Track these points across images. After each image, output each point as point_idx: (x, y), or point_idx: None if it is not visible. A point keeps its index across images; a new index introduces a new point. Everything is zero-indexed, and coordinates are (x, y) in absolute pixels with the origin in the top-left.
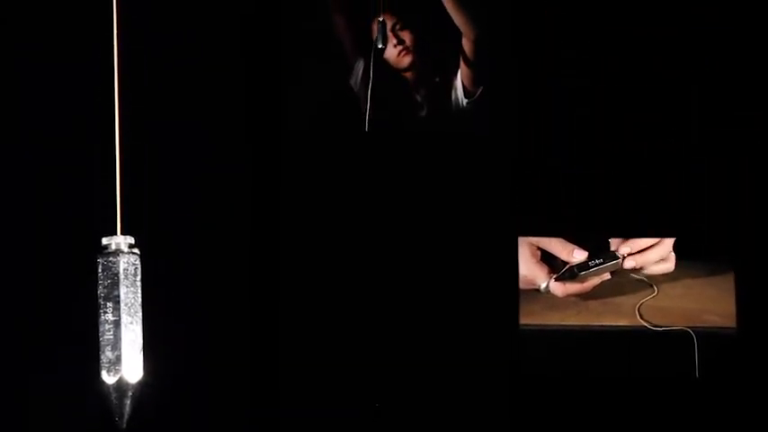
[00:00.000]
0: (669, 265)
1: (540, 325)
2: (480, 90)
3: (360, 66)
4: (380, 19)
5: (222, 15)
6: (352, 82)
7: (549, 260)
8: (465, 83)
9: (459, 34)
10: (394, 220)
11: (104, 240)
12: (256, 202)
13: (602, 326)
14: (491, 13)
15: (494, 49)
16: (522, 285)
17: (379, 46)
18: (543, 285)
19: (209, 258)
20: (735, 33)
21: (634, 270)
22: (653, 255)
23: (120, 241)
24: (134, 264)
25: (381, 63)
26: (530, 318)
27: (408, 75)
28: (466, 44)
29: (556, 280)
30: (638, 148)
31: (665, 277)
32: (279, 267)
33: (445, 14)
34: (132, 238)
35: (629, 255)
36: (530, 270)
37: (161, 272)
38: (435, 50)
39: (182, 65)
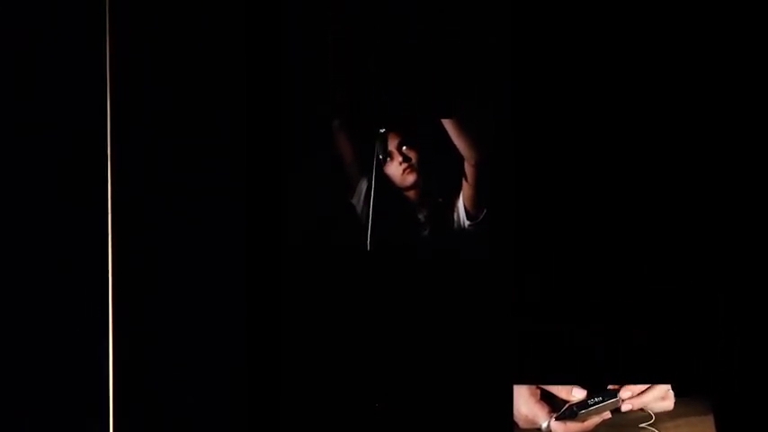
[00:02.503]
0: (668, 404)
1: None
2: (484, 213)
3: (363, 184)
4: (382, 130)
5: (221, 137)
6: (354, 200)
7: (549, 399)
8: (467, 205)
9: (462, 156)
10: (391, 342)
11: None
12: (254, 323)
13: None
14: (494, 139)
15: (495, 174)
16: (522, 425)
17: (380, 157)
18: (544, 425)
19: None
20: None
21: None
22: (651, 396)
23: None
24: None
25: (385, 180)
26: None
27: (411, 194)
28: (468, 168)
29: (556, 419)
30: (639, 288)
31: (666, 415)
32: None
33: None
34: None
35: (629, 399)
36: (530, 409)
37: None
38: (439, 170)
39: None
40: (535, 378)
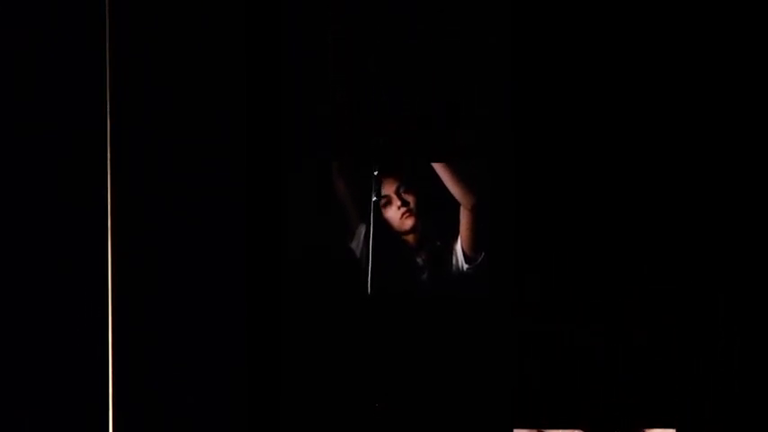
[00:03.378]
0: None
1: None
2: (482, 256)
3: (362, 229)
4: (375, 173)
5: (221, 137)
6: (353, 245)
7: None
8: (465, 249)
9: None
10: (390, 385)
11: None
12: (255, 384)
13: None
14: (489, 184)
15: (493, 217)
16: None
17: (373, 199)
18: None
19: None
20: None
21: None
22: None
23: None
24: None
25: (384, 225)
26: None
27: (410, 238)
28: (464, 213)
29: None
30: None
31: None
32: None
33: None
34: None
35: None
36: None
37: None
38: (437, 215)
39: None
40: (536, 423)
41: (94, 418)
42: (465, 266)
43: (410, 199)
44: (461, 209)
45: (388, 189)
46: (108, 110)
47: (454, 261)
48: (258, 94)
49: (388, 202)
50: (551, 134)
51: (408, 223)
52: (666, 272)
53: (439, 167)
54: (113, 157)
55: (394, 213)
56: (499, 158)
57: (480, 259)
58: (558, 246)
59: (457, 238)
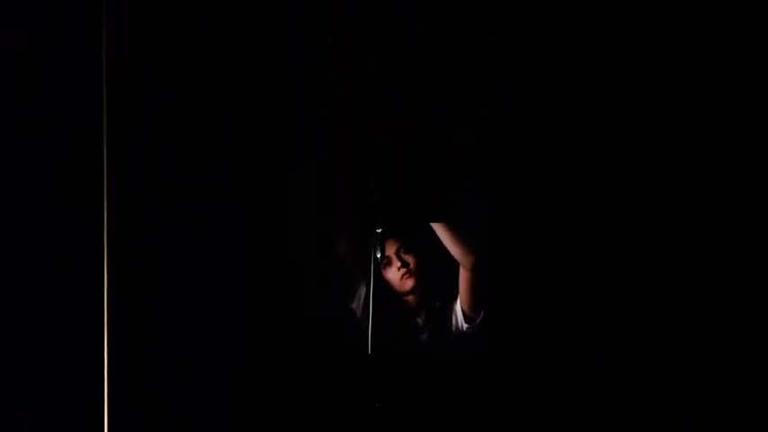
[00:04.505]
0: None
1: None
2: (481, 316)
3: (362, 290)
4: (378, 230)
5: (221, 137)
6: (354, 305)
7: None
8: (464, 309)
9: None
10: None
11: None
12: (254, 326)
13: None
14: (489, 245)
15: (492, 277)
16: None
17: (377, 255)
18: None
19: None
20: None
21: None
22: None
23: None
24: None
25: (384, 286)
26: None
27: (410, 298)
28: (463, 273)
29: None
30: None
31: None
32: None
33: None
34: None
35: None
36: None
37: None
38: (436, 275)
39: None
40: (536, 423)
41: (92, 419)
42: (465, 326)
43: (410, 260)
44: (461, 269)
45: (389, 250)
46: (105, 109)
47: (454, 321)
48: (258, 94)
49: (389, 263)
50: (552, 133)
51: (409, 284)
52: (666, 272)
53: (438, 227)
54: (112, 156)
55: (394, 274)
56: (499, 170)
57: (480, 319)
58: (558, 246)
59: (456, 299)
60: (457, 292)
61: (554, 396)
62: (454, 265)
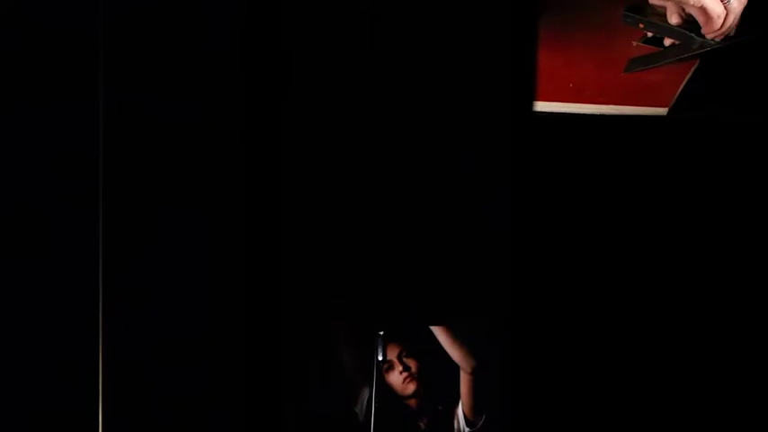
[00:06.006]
0: None
1: None
2: (483, 419)
3: (365, 393)
4: (381, 333)
5: (222, 137)
6: (357, 409)
7: None
8: (466, 413)
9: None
10: None
11: None
12: (253, 326)
13: None
14: (487, 349)
15: (493, 382)
16: None
17: (379, 358)
18: None
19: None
20: None
21: None
22: None
23: None
24: None
25: (386, 389)
26: None
27: (412, 402)
28: (464, 377)
29: None
30: None
31: None
32: None
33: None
34: None
35: None
36: None
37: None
38: (438, 379)
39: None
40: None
41: (86, 419)
42: (467, 430)
43: (412, 364)
44: (461, 372)
45: (391, 354)
46: (102, 109)
47: (456, 425)
48: (258, 94)
49: (391, 367)
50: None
51: (411, 388)
52: (666, 272)
53: (438, 331)
54: (110, 156)
55: (396, 378)
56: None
57: (481, 423)
58: (559, 245)
59: (458, 403)
60: (458, 396)
61: (554, 397)
62: (455, 368)
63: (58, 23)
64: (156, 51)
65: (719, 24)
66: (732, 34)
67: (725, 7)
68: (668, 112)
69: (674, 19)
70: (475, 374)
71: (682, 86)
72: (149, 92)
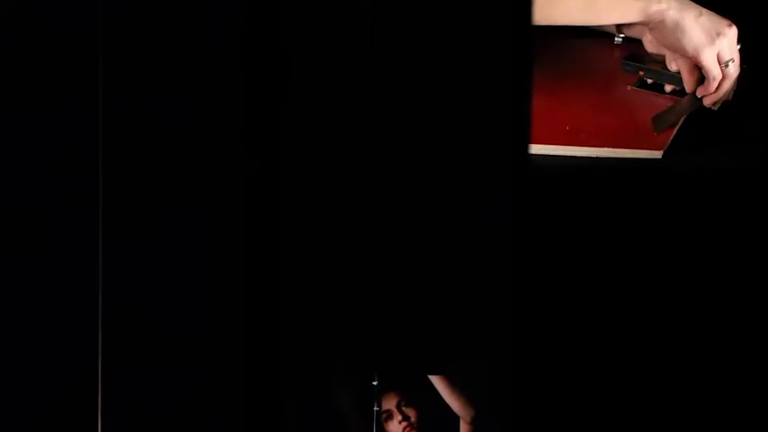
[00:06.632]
0: None
1: None
2: None
3: None
4: (376, 408)
5: (221, 137)
6: None
7: None
8: None
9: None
10: None
11: None
12: (253, 326)
13: None
14: (488, 395)
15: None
16: None
17: (375, 409)
18: None
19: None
20: None
21: None
22: None
23: None
24: None
25: None
26: None
27: None
28: (463, 426)
29: None
30: None
31: None
32: None
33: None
34: None
35: None
36: None
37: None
38: (438, 427)
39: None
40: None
41: (85, 419)
42: None
43: (411, 413)
44: (461, 422)
45: (389, 404)
46: (101, 108)
47: None
48: (258, 94)
49: (390, 417)
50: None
51: None
52: (667, 272)
53: (436, 380)
54: (109, 156)
55: (395, 428)
56: None
57: None
58: (559, 246)
59: None
60: None
61: (554, 397)
62: (455, 418)
63: (57, 23)
64: (155, 51)
65: (714, 88)
66: (730, 99)
67: (722, 71)
68: (663, 155)
69: (673, 66)
70: (475, 424)
71: (676, 130)
72: (149, 92)
